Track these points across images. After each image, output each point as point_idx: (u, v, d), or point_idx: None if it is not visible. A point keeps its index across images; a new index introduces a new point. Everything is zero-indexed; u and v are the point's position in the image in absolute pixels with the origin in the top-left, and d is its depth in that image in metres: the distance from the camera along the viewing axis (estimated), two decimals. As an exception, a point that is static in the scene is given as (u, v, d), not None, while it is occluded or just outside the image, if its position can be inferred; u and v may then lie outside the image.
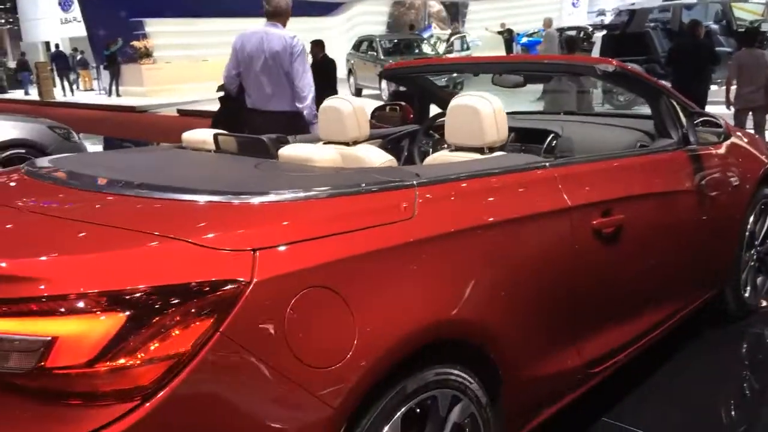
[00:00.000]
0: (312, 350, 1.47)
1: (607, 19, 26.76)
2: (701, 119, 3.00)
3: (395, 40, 18.02)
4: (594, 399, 2.54)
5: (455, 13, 32.45)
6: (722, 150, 3.12)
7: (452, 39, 19.26)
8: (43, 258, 1.39)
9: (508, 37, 22.65)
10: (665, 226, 2.68)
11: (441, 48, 19.18)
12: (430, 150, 3.46)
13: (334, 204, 1.68)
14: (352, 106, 2.83)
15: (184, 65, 22.76)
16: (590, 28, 18.45)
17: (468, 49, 18.22)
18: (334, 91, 8.59)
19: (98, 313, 1.30)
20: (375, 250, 1.64)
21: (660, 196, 2.68)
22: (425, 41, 18.35)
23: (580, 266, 2.23)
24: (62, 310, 1.29)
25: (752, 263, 3.48)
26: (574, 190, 2.24)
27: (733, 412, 2.85)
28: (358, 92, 18.27)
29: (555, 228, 2.14)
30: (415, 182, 1.85)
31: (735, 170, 3.16)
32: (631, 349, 2.58)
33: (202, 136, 2.58)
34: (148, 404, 1.29)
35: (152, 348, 1.31)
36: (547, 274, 2.09)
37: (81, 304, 1.30)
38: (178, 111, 17.00)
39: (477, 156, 2.44)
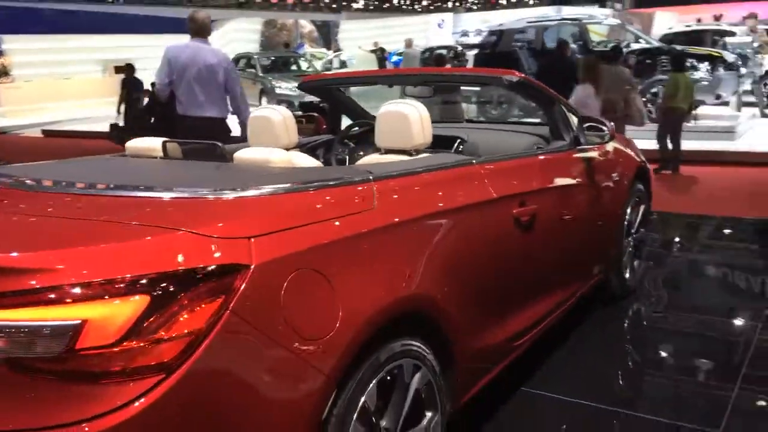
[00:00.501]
0: (305, 324, 1.65)
1: (470, 38, 28.23)
2: (589, 124, 3.44)
3: (273, 58, 18.10)
4: (513, 372, 2.86)
5: (327, 33, 32.97)
6: (606, 150, 3.59)
7: (332, 57, 19.62)
8: (67, 249, 1.48)
9: (381, 55, 23.38)
10: (565, 215, 3.07)
11: (318, 65, 19.47)
12: (347, 158, 3.68)
13: (309, 197, 1.87)
14: (282, 116, 3.01)
15: (46, 84, 21.64)
16: (459, 47, 19.45)
17: (345, 66, 18.64)
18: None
19: (122, 297, 1.42)
20: (346, 237, 1.85)
21: (560, 189, 3.07)
22: (303, 58, 18.59)
23: (506, 250, 2.55)
24: (89, 296, 1.40)
25: (630, 249, 3.99)
26: (496, 184, 2.55)
27: (622, 373, 3.28)
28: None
29: (485, 216, 2.45)
30: (371, 177, 2.07)
31: (617, 167, 3.64)
32: (544, 323, 2.93)
33: (148, 144, 2.66)
34: (172, 377, 1.42)
35: (172, 327, 1.44)
36: (482, 257, 2.38)
37: (106, 290, 1.41)
38: (43, 132, 16.14)
39: (406, 158, 2.70)
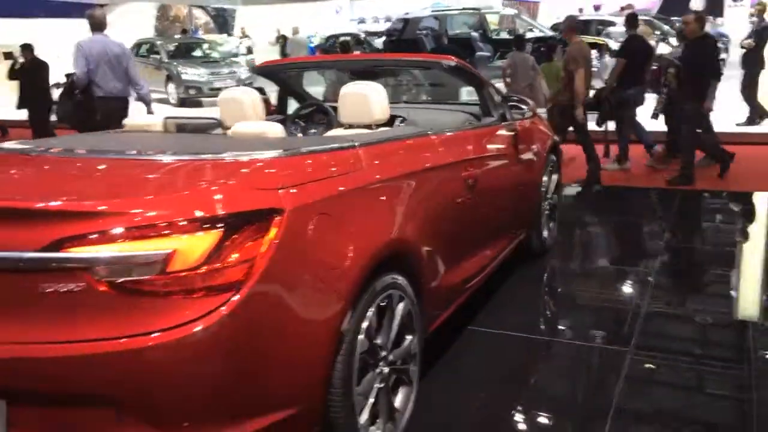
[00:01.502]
0: (327, 256, 2.09)
1: (368, 26, 28.77)
2: (512, 102, 4.01)
3: (177, 44, 17.86)
4: (460, 314, 3.40)
5: (223, 23, 32.26)
6: (527, 125, 4.19)
7: (239, 44, 19.58)
8: (158, 198, 1.86)
9: (283, 43, 23.45)
10: (499, 179, 3.62)
11: (221, 50, 19.38)
12: (300, 135, 4.07)
13: (317, 159, 2.30)
14: (251, 97, 3.38)
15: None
16: (362, 35, 19.95)
17: (252, 53, 18.70)
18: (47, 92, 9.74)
19: (200, 232, 1.80)
20: (348, 189, 2.29)
21: (494, 157, 3.61)
22: (206, 44, 18.47)
23: (458, 207, 3.06)
24: (176, 232, 1.78)
25: (546, 211, 4.63)
26: (448, 152, 3.06)
27: (545, 312, 3.94)
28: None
29: (442, 178, 2.94)
30: (356, 144, 2.52)
31: (536, 140, 4.25)
32: (486, 270, 3.48)
33: (147, 121, 2.98)
34: (239, 294, 1.82)
35: (235, 255, 1.84)
36: (442, 211, 2.88)
37: (188, 228, 1.79)
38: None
39: (367, 131, 3.14)
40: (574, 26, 7.33)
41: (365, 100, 3.13)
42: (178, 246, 1.77)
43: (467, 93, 7.18)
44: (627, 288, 4.21)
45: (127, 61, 6.26)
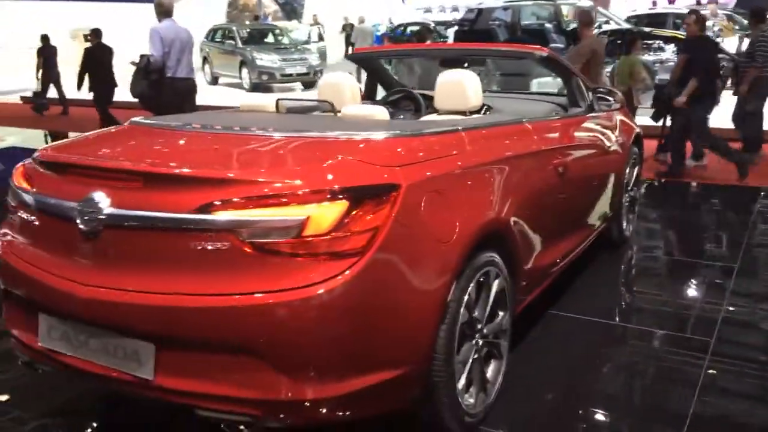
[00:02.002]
0: (437, 229, 2.24)
1: (434, 15, 28.73)
2: (600, 93, 4.08)
3: (251, 30, 18.31)
4: (543, 298, 3.51)
5: (291, 11, 32.69)
6: (613, 116, 4.24)
7: (310, 30, 19.93)
8: (296, 170, 2.05)
9: (349, 31, 23.66)
10: (585, 169, 3.70)
11: (292, 36, 19.75)
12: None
13: (426, 140, 2.46)
14: (349, 82, 3.57)
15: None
16: (431, 24, 20.00)
17: (322, 39, 19.01)
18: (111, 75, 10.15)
19: (330, 202, 1.98)
20: (453, 170, 2.44)
21: (581, 146, 3.69)
22: (278, 30, 18.87)
23: (549, 192, 3.16)
24: (311, 201, 1.96)
25: (626, 203, 4.67)
26: (541, 139, 3.17)
27: (623, 299, 4.01)
28: (214, 80, 18.42)
29: (536, 164, 3.06)
30: (460, 128, 2.66)
31: (621, 132, 4.30)
32: (570, 257, 3.58)
33: (261, 101, 3.20)
34: (363, 259, 1.99)
35: (360, 224, 2.01)
36: (535, 195, 2.99)
37: (321, 197, 1.97)
38: (22, 98, 16.15)
39: (461, 118, 3.28)
40: (586, 21, 7.44)
41: (462, 88, 3.27)
42: (312, 213, 1.96)
43: (538, 83, 7.22)
44: (706, 282, 4.22)
45: (192, 45, 6.84)
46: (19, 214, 2.42)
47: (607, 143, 4.03)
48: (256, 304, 1.94)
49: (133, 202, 2.07)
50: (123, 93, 7.41)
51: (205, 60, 18.51)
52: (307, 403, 2.01)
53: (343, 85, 3.53)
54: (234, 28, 17.78)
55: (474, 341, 2.52)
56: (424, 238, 2.19)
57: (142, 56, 6.65)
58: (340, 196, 2.00)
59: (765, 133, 8.09)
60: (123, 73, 7.15)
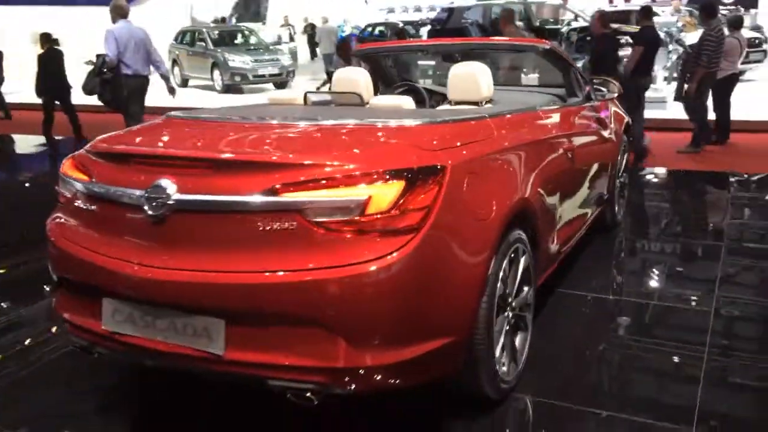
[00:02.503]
0: (477, 208, 2.41)
1: (397, 15, 28.98)
2: (596, 83, 4.30)
3: (221, 32, 18.26)
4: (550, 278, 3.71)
5: (255, 13, 32.49)
6: (608, 106, 4.47)
7: (279, 33, 19.99)
8: (357, 155, 2.21)
9: (311, 32, 23.64)
10: (588, 155, 3.92)
11: (261, 38, 19.75)
12: None
13: (461, 126, 2.63)
14: (363, 75, 3.72)
15: None
16: (400, 24, 20.22)
17: (293, 40, 19.06)
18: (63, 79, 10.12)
19: (389, 182, 2.14)
20: (486, 153, 2.61)
21: (583, 133, 3.91)
22: (248, 32, 18.85)
23: (562, 175, 3.37)
24: (371, 182, 2.12)
25: (617, 188, 4.92)
26: (552, 125, 3.37)
27: (620, 276, 4.25)
28: (184, 82, 18.32)
29: (551, 149, 3.25)
30: (487, 115, 2.84)
31: (614, 120, 4.53)
32: (576, 237, 3.79)
33: (289, 95, 3.34)
34: (418, 234, 2.15)
35: (415, 202, 2.17)
36: (551, 178, 3.18)
37: (380, 179, 2.13)
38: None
39: (475, 107, 3.46)
40: (507, 17, 8.26)
41: (475, 79, 3.45)
42: (373, 193, 2.11)
43: (525, 77, 7.42)
44: (697, 258, 4.49)
45: (149, 44, 7.20)
46: (76, 204, 2.52)
47: (605, 131, 4.26)
48: (324, 278, 2.08)
49: (201, 187, 2.20)
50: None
51: (174, 62, 18.39)
52: (368, 370, 2.15)
53: (358, 79, 3.68)
54: (204, 30, 17.71)
55: (506, 313, 2.70)
56: (467, 216, 2.36)
57: (98, 56, 7.01)
58: (398, 177, 2.16)
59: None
60: (80, 74, 7.31)
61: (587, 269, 4.19)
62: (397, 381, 2.25)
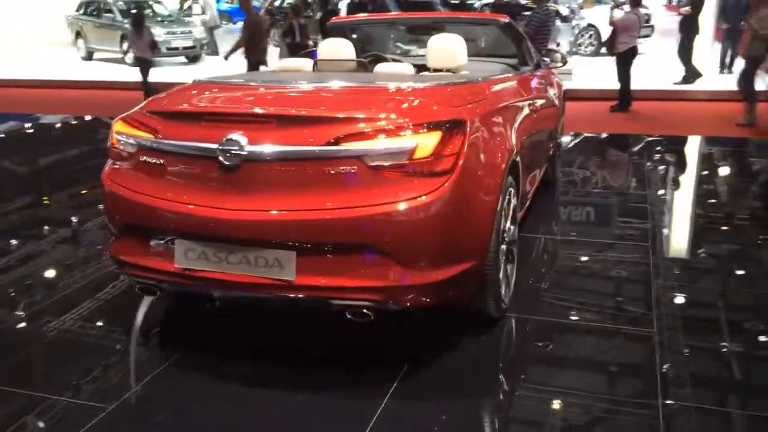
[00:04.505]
0: (490, 155, 2.92)
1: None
2: (546, 53, 4.90)
3: (127, 2, 17.70)
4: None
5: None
6: (552, 73, 5.09)
7: (191, 3, 19.59)
8: (404, 110, 2.64)
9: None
10: (544, 115, 4.51)
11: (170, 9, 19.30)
12: None
13: (469, 87, 3.12)
14: (347, 47, 4.12)
15: None
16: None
17: (205, 13, 18.76)
18: None
19: (429, 132, 2.60)
20: (487, 110, 3.11)
21: (541, 96, 4.49)
22: (157, 3, 18.38)
23: (531, 131, 3.93)
24: (417, 132, 2.57)
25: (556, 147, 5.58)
26: (523, 89, 3.93)
27: (566, 217, 4.90)
28: (89, 55, 17.75)
29: (523, 108, 3.80)
30: (480, 78, 3.34)
31: (557, 86, 5.16)
32: (536, 185, 4.39)
33: (299, 63, 3.69)
34: (453, 174, 2.62)
35: (448, 149, 2.64)
36: (526, 132, 3.73)
37: (424, 128, 2.59)
38: None
39: (452, 74, 3.94)
40: None
41: (453, 49, 3.92)
42: (418, 142, 2.57)
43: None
44: (626, 204, 5.24)
45: None
46: (140, 158, 2.81)
47: (553, 95, 4.88)
48: (380, 212, 2.53)
49: (271, 139, 2.57)
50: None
51: (78, 34, 17.75)
52: (415, 288, 2.63)
53: (342, 50, 4.08)
54: (110, 1, 17.12)
55: (502, 246, 3.24)
56: (483, 162, 2.86)
57: None
58: (437, 128, 2.62)
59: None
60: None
61: (543, 217, 4.84)
62: (436, 299, 2.73)
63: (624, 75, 9.44)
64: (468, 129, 2.74)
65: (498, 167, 2.99)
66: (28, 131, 9.90)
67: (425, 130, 2.60)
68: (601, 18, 14.04)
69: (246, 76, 3.43)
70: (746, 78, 8.26)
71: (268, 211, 2.57)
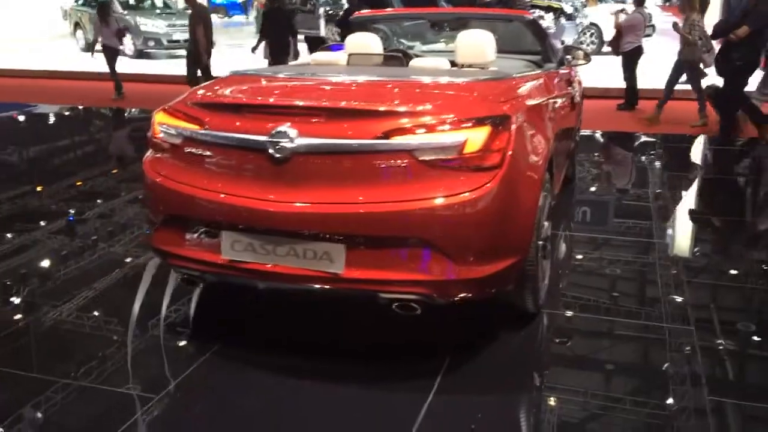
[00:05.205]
0: (531, 151, 2.92)
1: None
2: (569, 49, 4.92)
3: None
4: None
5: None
6: (574, 71, 5.10)
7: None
8: (452, 103, 2.65)
9: None
10: (570, 111, 4.52)
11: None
12: None
13: (506, 84, 3.12)
14: (375, 41, 4.12)
15: None
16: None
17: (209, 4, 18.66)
18: None
19: (478, 127, 2.60)
20: (529, 106, 3.12)
21: (565, 94, 4.50)
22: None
23: (560, 128, 3.94)
24: (466, 127, 2.57)
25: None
26: (552, 86, 3.93)
27: (594, 215, 4.93)
28: (89, 47, 17.57)
29: (554, 105, 3.81)
30: (515, 75, 3.35)
31: (577, 83, 5.17)
32: (563, 175, 4.40)
33: (332, 57, 3.68)
34: (501, 169, 2.62)
35: (496, 144, 2.65)
36: (557, 128, 3.73)
37: (473, 123, 2.59)
38: None
39: (481, 70, 3.94)
40: None
41: (482, 44, 3.92)
42: (468, 137, 2.57)
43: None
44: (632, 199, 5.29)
45: None
46: (185, 150, 2.80)
47: (573, 89, 4.90)
48: (430, 206, 2.53)
49: (321, 132, 2.57)
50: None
51: (77, 25, 17.62)
52: (463, 283, 2.64)
53: (370, 44, 4.07)
54: (111, -7, 16.96)
55: (540, 242, 3.25)
56: (527, 157, 2.87)
57: None
58: (485, 124, 2.62)
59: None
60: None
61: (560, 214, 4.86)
62: (481, 294, 2.75)
63: (630, 74, 9.48)
64: (513, 124, 2.75)
65: (539, 162, 3.00)
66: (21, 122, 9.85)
67: (475, 125, 2.60)
68: (602, 17, 14.11)
69: (285, 69, 3.41)
70: (693, 83, 8.46)
71: (317, 204, 2.56)
